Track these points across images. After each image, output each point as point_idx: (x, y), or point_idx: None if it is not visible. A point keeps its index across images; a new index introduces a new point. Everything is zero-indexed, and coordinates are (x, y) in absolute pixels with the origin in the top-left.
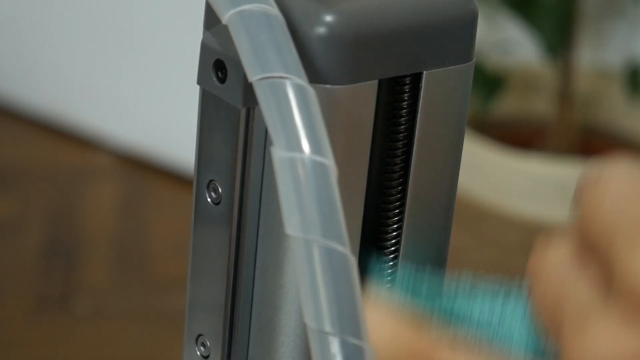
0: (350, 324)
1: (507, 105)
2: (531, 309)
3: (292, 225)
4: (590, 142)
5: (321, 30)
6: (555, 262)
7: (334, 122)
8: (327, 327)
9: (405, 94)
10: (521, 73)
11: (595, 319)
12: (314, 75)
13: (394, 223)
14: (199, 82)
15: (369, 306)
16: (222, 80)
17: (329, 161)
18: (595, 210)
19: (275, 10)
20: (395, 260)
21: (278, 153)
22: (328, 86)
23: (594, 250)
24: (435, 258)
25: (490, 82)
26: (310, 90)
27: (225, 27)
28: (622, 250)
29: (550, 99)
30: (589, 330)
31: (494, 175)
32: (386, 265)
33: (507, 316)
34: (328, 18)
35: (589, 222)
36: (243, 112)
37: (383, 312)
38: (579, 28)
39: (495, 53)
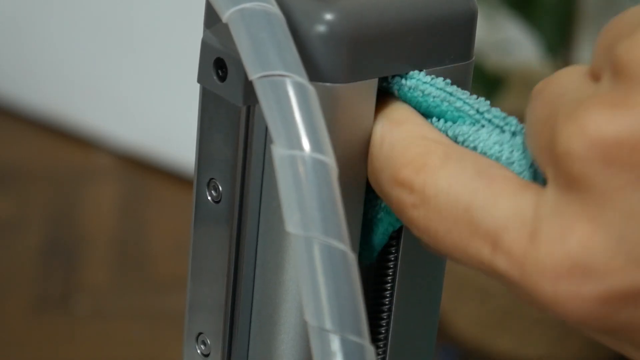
0: (350, 321)
1: (507, 105)
2: (527, 124)
3: (292, 223)
4: None
5: (321, 28)
6: (563, 77)
7: (334, 120)
8: (328, 325)
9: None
10: (521, 73)
11: (592, 94)
12: (314, 73)
13: None
14: (199, 81)
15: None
16: (222, 78)
17: (330, 159)
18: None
19: (275, 9)
20: (396, 260)
21: (278, 151)
22: (328, 84)
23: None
24: (435, 256)
25: (490, 82)
26: (310, 88)
27: (226, 26)
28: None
29: None
30: (583, 104)
31: None
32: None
33: (508, 148)
34: (328, 16)
35: (606, 32)
36: (243, 110)
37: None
38: (579, 28)
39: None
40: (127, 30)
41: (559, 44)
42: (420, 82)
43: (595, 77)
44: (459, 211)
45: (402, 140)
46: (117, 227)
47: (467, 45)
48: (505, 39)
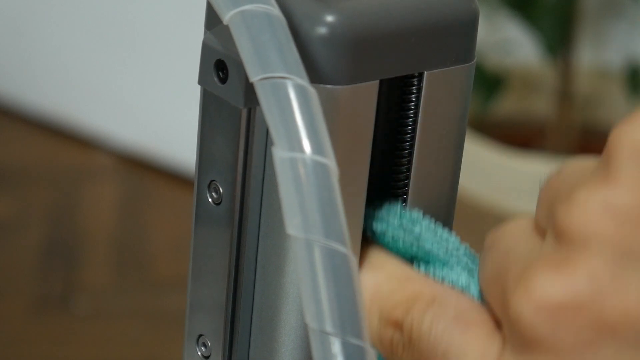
0: (351, 324)
1: (507, 105)
2: (480, 278)
3: (293, 225)
4: (590, 142)
5: (322, 30)
6: (512, 230)
7: (335, 122)
8: (328, 328)
9: (407, 94)
10: (521, 73)
11: (537, 257)
12: (315, 75)
13: None
14: (200, 83)
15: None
16: (223, 80)
17: (330, 161)
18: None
19: (276, 11)
20: None
21: (279, 153)
22: (329, 86)
23: (546, 215)
24: None
25: (490, 82)
26: (311, 90)
27: (227, 28)
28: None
29: (550, 99)
30: (530, 268)
31: (493, 175)
32: None
33: (476, 289)
34: (329, 18)
35: (544, 193)
36: (244, 112)
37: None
38: (579, 28)
39: (495, 53)
40: (127, 30)
41: (559, 44)
42: (391, 228)
43: (540, 232)
44: (437, 356)
45: (388, 283)
46: (117, 227)
47: (469, 47)
48: (505, 39)
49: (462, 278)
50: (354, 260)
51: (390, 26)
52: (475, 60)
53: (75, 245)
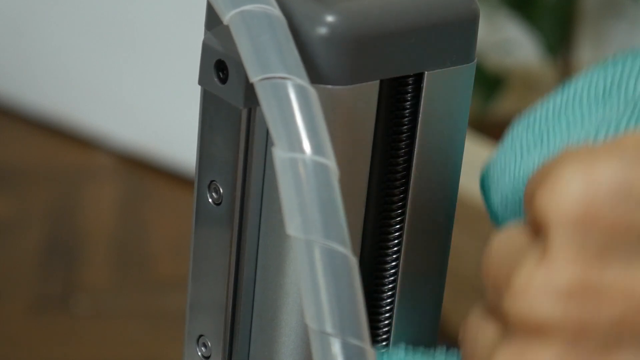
0: (351, 325)
1: (507, 105)
2: None
3: (293, 225)
4: None
5: (322, 30)
6: (471, 323)
7: (336, 122)
8: (329, 328)
9: (407, 95)
10: (521, 73)
11: (496, 352)
12: (315, 75)
13: (396, 224)
14: (200, 83)
15: None
16: (223, 80)
17: (330, 162)
18: (487, 259)
19: (276, 11)
20: (398, 262)
21: (279, 153)
22: (329, 86)
23: (493, 297)
24: (437, 257)
25: (490, 82)
26: (311, 90)
27: (227, 28)
28: (506, 286)
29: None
30: None
31: None
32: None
33: None
34: (329, 18)
35: (487, 273)
36: (244, 112)
37: None
38: (579, 28)
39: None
40: (127, 30)
41: (559, 44)
42: None
43: (495, 316)
44: None
45: None
46: (117, 227)
47: (469, 47)
48: (505, 39)
49: None
50: (354, 260)
51: (391, 26)
52: (475, 61)
53: (75, 245)
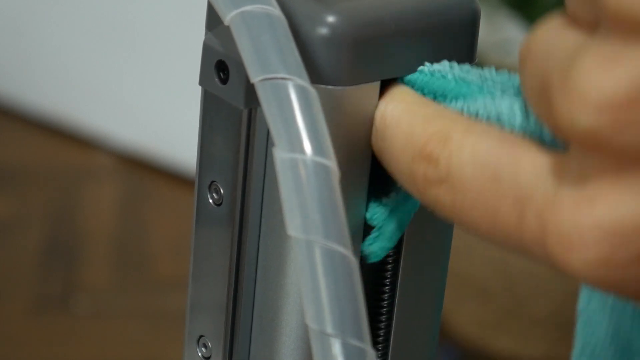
0: (352, 325)
1: None
2: (524, 95)
3: (293, 226)
4: None
5: (323, 31)
6: (545, 33)
7: (336, 123)
8: (329, 329)
9: None
10: None
11: (583, 53)
12: (316, 76)
13: None
14: (200, 83)
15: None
16: (224, 81)
17: (331, 162)
18: None
19: (277, 11)
20: (398, 262)
21: (280, 154)
22: (330, 87)
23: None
24: (437, 257)
25: None
26: (312, 91)
27: (227, 28)
28: None
29: None
30: (575, 67)
31: None
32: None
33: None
34: (330, 19)
35: None
36: (245, 113)
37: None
38: None
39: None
40: (128, 30)
41: None
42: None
43: (580, 25)
44: (485, 181)
45: (423, 117)
46: (117, 227)
47: (470, 47)
48: (505, 39)
49: (504, 103)
50: (354, 261)
51: (391, 27)
52: (476, 61)
53: (75, 245)
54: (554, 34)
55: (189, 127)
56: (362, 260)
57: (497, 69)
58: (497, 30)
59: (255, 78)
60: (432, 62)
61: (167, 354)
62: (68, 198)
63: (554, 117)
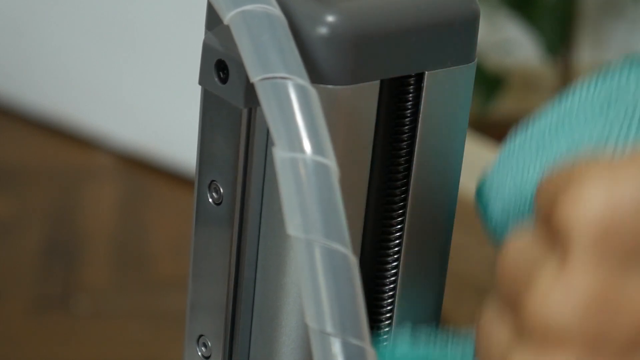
0: (351, 324)
1: (507, 105)
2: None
3: (293, 225)
4: None
5: (323, 30)
6: (485, 318)
7: (336, 122)
8: (329, 328)
9: (408, 95)
10: (521, 73)
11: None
12: (316, 75)
13: (396, 224)
14: (200, 83)
15: None
16: (223, 80)
17: (331, 162)
18: (503, 262)
19: (277, 11)
20: (398, 262)
21: (280, 153)
22: (330, 86)
23: (510, 299)
24: (437, 257)
25: (490, 82)
26: (312, 90)
27: (227, 28)
28: (524, 291)
29: (550, 99)
30: None
31: None
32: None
33: None
34: (330, 18)
35: (502, 276)
36: (245, 112)
37: None
38: (579, 28)
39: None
40: (128, 30)
41: (559, 44)
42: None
43: (509, 308)
44: None
45: None
46: (117, 227)
47: (470, 47)
48: (505, 39)
49: None
50: (354, 260)
51: (391, 26)
52: (476, 61)
53: (75, 245)
54: (492, 321)
55: (189, 127)
56: (362, 260)
57: (497, 68)
58: (497, 30)
59: (255, 77)
60: (432, 62)
61: (167, 354)
62: (68, 198)
63: None
